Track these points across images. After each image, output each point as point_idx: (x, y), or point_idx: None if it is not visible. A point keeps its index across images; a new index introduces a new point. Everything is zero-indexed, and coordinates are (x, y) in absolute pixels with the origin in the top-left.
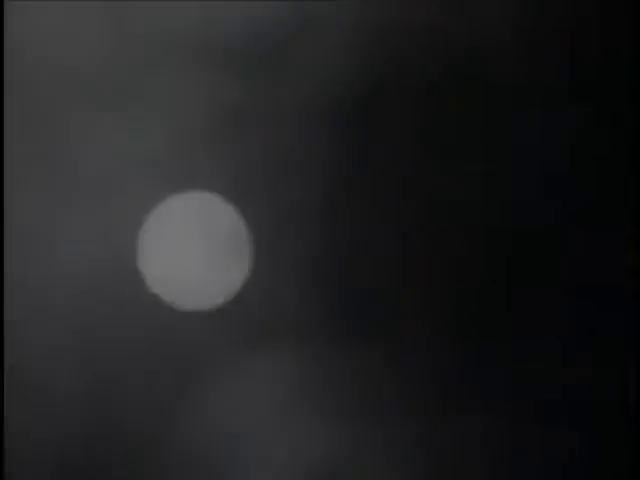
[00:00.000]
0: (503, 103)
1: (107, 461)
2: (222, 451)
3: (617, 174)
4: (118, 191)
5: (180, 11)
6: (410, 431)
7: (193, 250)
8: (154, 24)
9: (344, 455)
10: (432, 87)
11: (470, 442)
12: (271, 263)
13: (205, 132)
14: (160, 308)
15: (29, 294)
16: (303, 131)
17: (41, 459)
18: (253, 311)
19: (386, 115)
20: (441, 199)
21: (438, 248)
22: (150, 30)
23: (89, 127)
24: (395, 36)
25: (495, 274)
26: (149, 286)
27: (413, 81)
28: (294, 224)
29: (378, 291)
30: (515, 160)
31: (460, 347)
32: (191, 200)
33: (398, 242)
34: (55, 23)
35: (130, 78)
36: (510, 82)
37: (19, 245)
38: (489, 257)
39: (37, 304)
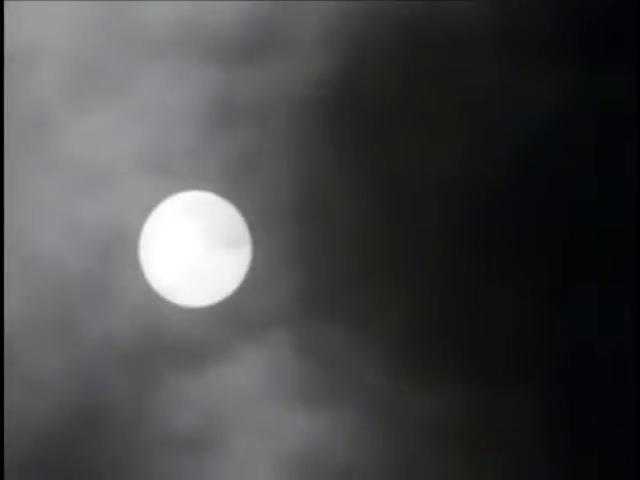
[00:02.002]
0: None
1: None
2: (215, 436)
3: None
4: (116, 186)
5: (173, 5)
6: (399, 414)
7: (191, 246)
8: (150, 18)
9: (336, 438)
10: (412, 69)
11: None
12: (268, 256)
13: (198, 126)
14: (159, 302)
15: (27, 289)
16: (296, 121)
17: (29, 439)
18: (250, 304)
19: (373, 102)
20: (429, 180)
21: (427, 234)
22: (145, 24)
23: (85, 121)
24: (375, 24)
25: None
26: (148, 281)
27: (394, 65)
28: (291, 217)
29: (372, 280)
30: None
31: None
32: (189, 196)
33: (392, 231)
34: (50, 17)
35: (124, 72)
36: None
37: (19, 241)
38: (472, 234)
39: (37, 300)
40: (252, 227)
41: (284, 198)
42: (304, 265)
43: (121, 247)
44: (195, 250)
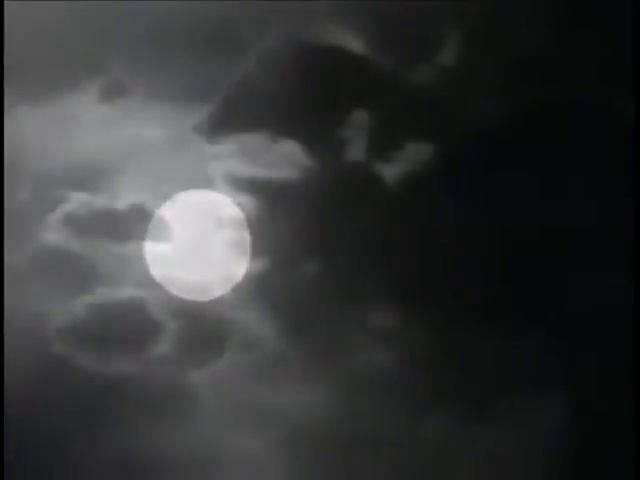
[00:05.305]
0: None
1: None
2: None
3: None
4: (118, 181)
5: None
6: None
7: (196, 243)
8: (147, 13)
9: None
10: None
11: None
12: (267, 249)
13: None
14: (163, 297)
15: (29, 283)
16: (290, 113)
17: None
18: (250, 294)
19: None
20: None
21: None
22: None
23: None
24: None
25: None
26: (154, 277)
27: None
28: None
29: (366, 272)
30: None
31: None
32: (188, 194)
33: (387, 223)
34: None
35: (121, 69)
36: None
37: (21, 239)
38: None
39: (42, 298)
40: (249, 220)
41: (281, 191)
42: (299, 257)
43: (120, 238)
44: (194, 244)
